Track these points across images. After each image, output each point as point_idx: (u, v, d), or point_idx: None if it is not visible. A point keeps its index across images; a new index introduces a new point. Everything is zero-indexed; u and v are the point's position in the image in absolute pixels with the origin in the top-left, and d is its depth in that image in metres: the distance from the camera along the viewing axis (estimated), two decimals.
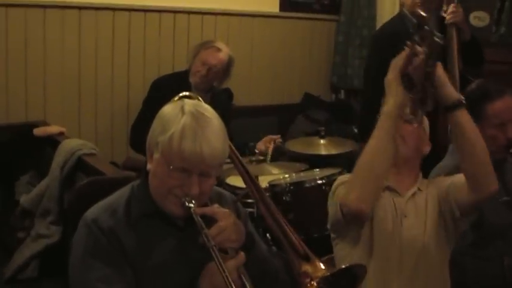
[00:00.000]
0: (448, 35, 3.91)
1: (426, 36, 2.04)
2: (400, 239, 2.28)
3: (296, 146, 4.29)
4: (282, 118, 5.86)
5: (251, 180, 2.14)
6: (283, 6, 5.87)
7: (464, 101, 2.11)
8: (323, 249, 2.31)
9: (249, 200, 3.34)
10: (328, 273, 1.81)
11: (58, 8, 4.55)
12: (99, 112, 4.89)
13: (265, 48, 5.81)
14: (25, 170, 4.15)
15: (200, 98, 2.04)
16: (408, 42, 2.07)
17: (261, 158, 3.80)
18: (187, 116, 1.80)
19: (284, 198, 3.53)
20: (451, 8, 3.92)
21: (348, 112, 5.89)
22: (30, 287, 3.65)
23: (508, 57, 4.87)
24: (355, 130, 5.07)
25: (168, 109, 1.87)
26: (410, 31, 4.17)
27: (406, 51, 2.08)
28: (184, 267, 1.84)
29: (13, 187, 4.09)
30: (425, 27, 2.06)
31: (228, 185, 3.75)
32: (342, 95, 6.41)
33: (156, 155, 1.83)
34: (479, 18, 5.18)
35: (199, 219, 1.77)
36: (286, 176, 3.80)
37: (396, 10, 4.55)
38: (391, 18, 4.41)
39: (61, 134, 4.22)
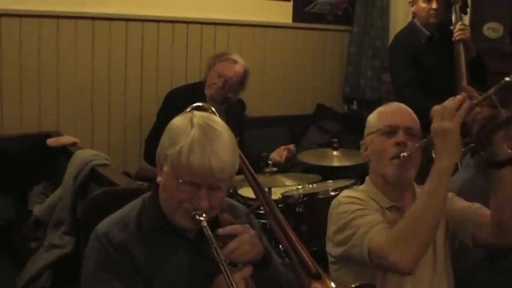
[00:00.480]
0: (456, 51, 3.95)
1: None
2: None
3: (309, 157, 4.27)
4: (294, 129, 5.85)
5: (262, 193, 2.12)
6: (296, 17, 5.87)
7: None
8: None
9: (262, 211, 3.31)
10: None
11: (71, 19, 4.57)
12: (112, 122, 4.90)
13: (277, 59, 5.81)
14: (38, 180, 4.16)
15: (213, 108, 2.04)
16: (482, 94, 1.97)
17: (275, 169, 3.77)
18: (196, 129, 1.79)
19: (297, 209, 3.52)
20: (459, 25, 3.96)
21: (361, 123, 5.84)
22: None
23: None
24: None
25: (178, 122, 1.86)
26: (423, 42, 4.24)
27: (462, 97, 1.97)
28: (196, 281, 1.83)
29: (26, 197, 4.10)
30: None
31: (241, 196, 3.74)
32: (355, 106, 6.40)
33: (166, 168, 1.82)
34: (492, 30, 5.17)
35: (210, 232, 1.75)
36: (299, 187, 3.79)
37: (409, 21, 4.56)
38: (402, 29, 4.45)
39: (74, 144, 4.23)
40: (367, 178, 2.42)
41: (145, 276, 1.80)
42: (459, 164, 2.97)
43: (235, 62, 4.27)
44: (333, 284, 1.82)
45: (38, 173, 4.18)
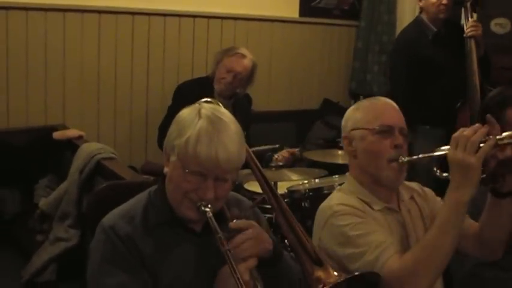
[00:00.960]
0: (467, 47, 3.95)
1: None
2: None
3: (314, 156, 4.27)
4: (301, 124, 5.85)
5: (268, 185, 2.11)
6: (302, 12, 5.87)
7: None
8: None
9: (267, 206, 3.31)
10: (341, 279, 1.79)
11: (78, 12, 4.58)
12: (118, 116, 4.91)
13: (284, 53, 5.81)
14: (44, 174, 4.17)
15: (220, 104, 2.03)
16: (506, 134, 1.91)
17: (280, 164, 3.78)
18: (203, 120, 1.79)
19: (303, 204, 3.52)
20: (471, 22, 3.97)
21: None
22: None
23: None
24: None
25: (185, 113, 1.86)
26: (429, 38, 4.23)
27: (485, 130, 1.91)
28: (202, 274, 1.83)
29: (32, 190, 4.11)
30: None
31: (247, 190, 3.74)
32: None
33: (173, 158, 1.82)
34: (500, 25, 5.14)
35: (215, 223, 1.75)
36: (305, 182, 3.78)
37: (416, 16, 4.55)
38: (408, 25, 4.44)
39: (80, 137, 4.24)
40: (348, 175, 2.35)
41: (152, 269, 1.80)
42: None
43: (243, 56, 4.26)
44: (335, 272, 1.81)
45: (44, 166, 4.19)
